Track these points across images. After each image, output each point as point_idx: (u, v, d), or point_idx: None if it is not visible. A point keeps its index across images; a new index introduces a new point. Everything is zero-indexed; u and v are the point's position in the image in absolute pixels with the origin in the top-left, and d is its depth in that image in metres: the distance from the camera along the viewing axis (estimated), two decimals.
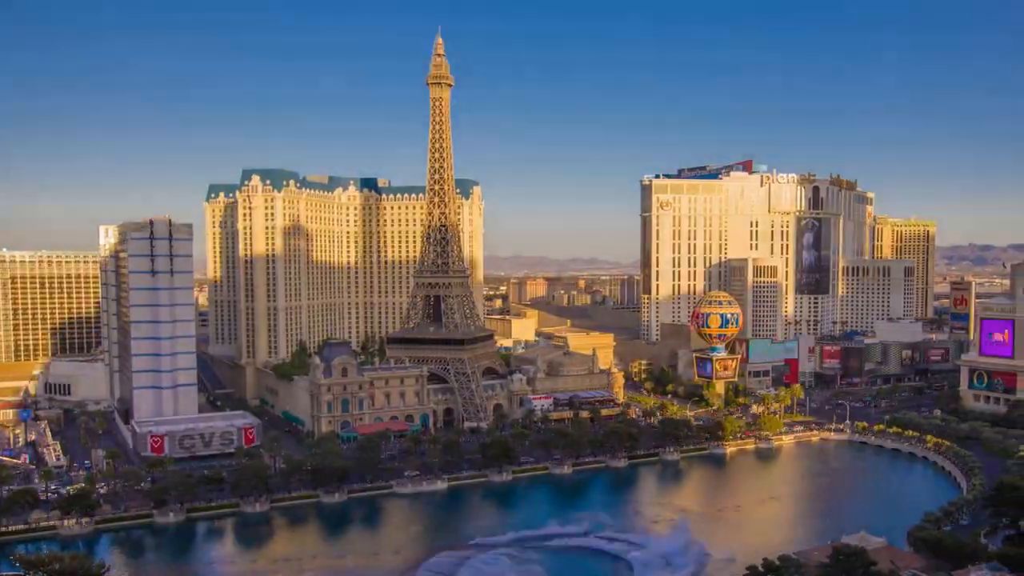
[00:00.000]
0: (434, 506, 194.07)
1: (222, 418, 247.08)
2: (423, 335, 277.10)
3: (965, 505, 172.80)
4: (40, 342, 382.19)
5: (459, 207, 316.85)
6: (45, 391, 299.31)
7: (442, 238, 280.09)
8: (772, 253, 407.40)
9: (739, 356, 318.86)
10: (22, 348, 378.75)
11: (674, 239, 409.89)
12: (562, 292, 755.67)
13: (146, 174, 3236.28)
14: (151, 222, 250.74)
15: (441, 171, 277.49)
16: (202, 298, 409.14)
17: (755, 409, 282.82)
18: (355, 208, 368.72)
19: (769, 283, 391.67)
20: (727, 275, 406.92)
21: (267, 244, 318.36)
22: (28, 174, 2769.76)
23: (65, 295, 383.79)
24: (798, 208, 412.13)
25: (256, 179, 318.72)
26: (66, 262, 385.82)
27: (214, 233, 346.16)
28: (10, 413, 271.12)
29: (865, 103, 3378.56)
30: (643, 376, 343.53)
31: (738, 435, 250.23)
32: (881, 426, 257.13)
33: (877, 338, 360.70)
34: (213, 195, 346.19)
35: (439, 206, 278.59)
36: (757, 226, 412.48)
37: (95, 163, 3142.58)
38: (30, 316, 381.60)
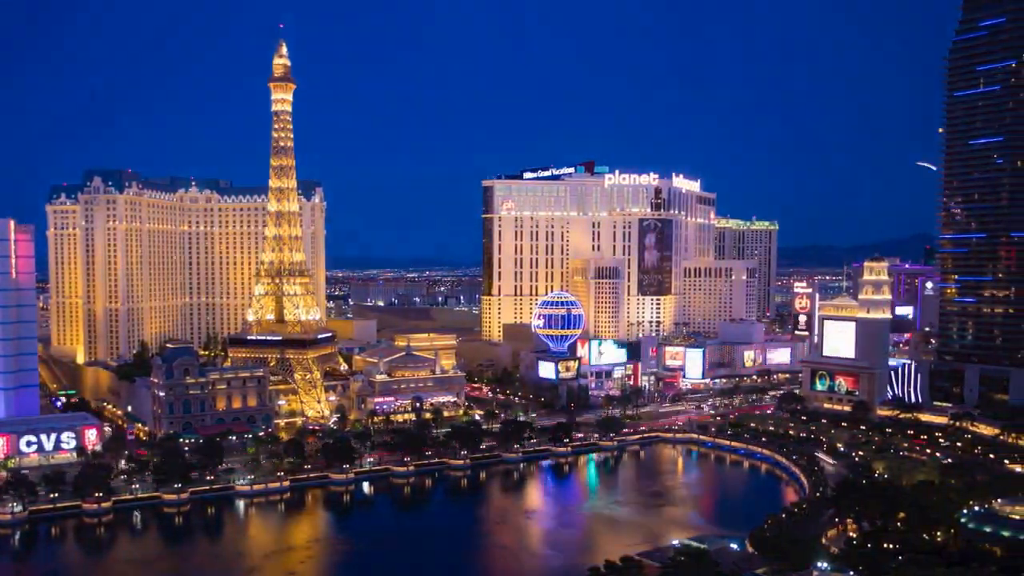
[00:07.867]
0: (275, 506, 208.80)
1: (63, 419, 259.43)
2: (265, 336, 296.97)
3: (807, 505, 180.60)
4: None
5: (301, 207, 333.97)
6: None
7: (284, 238, 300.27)
8: (614, 254, 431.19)
9: (581, 357, 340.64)
10: None
11: (516, 240, 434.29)
12: (404, 293, 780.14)
13: None
14: None
15: (282, 171, 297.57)
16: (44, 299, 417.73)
17: (598, 410, 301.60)
18: (196, 208, 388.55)
19: (611, 284, 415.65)
20: (569, 276, 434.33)
21: (108, 245, 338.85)
22: None
23: None
24: (640, 209, 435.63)
25: (98, 180, 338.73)
26: None
27: (56, 234, 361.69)
28: None
29: (708, 105, 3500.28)
30: (485, 377, 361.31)
31: (580, 436, 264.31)
32: (724, 427, 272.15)
33: (719, 339, 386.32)
34: (55, 196, 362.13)
35: (281, 206, 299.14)
36: (599, 227, 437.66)
37: None
38: None
